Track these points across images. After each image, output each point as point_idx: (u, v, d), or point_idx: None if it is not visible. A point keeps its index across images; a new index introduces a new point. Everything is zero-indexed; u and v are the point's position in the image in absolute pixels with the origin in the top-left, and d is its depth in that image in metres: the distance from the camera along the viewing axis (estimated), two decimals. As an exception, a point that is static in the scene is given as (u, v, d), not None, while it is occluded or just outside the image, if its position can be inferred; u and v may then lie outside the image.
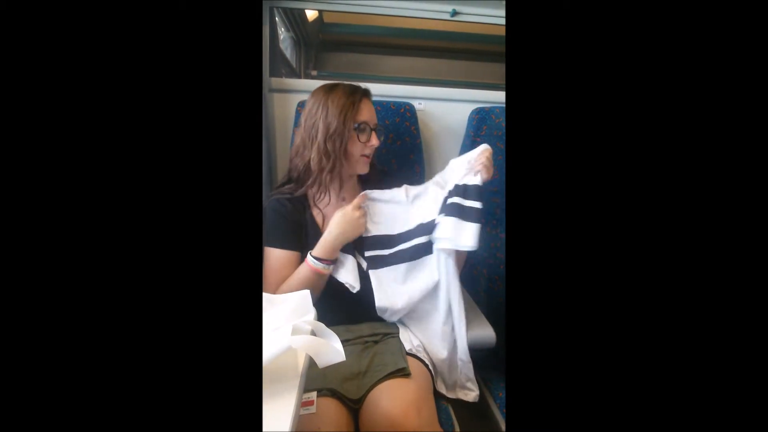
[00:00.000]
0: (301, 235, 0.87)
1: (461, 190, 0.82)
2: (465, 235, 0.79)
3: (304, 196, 0.89)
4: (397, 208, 0.90)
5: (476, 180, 0.82)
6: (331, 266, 0.83)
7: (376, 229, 0.88)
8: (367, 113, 0.86)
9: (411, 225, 0.88)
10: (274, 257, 0.85)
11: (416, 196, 0.90)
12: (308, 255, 0.82)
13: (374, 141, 0.87)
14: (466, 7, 1.26)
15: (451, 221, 0.80)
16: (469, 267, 1.15)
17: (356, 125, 0.84)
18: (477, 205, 0.80)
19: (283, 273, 0.84)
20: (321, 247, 0.82)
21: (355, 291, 0.84)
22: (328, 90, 0.86)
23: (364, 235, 0.86)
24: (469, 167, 0.83)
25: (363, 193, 0.87)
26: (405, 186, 0.91)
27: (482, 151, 0.84)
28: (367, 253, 0.87)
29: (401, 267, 0.87)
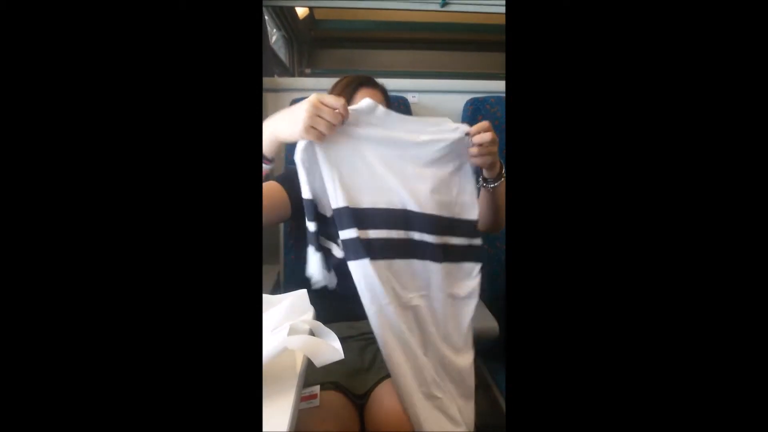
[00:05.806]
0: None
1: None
2: None
3: None
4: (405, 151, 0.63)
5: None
6: (268, 166, 0.69)
7: (370, 200, 0.61)
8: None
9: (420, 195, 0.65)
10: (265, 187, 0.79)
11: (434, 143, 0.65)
12: None
13: None
14: (455, -4, 1.26)
15: None
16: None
17: None
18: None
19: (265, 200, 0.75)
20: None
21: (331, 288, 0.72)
22: (335, 84, 0.90)
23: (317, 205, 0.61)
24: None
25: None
26: (446, 119, 0.67)
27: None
28: (343, 234, 0.59)
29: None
